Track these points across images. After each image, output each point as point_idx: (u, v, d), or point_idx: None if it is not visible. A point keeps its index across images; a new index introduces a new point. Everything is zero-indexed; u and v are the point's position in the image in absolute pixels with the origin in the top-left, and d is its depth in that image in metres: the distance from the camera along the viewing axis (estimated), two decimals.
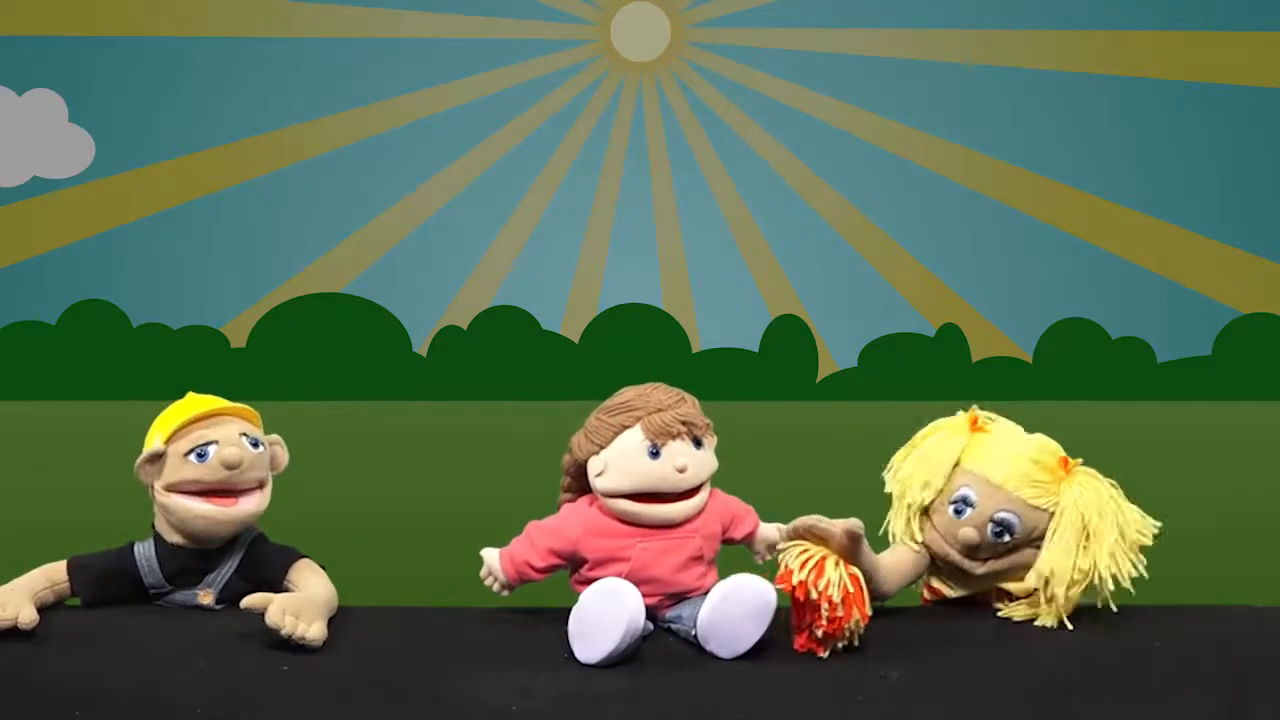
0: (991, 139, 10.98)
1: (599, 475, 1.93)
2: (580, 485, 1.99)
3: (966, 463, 2.00)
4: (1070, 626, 1.95)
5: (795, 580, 1.82)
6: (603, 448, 1.93)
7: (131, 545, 2.02)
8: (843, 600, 1.82)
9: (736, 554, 2.08)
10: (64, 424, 8.47)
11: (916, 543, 2.02)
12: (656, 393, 1.95)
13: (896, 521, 2.04)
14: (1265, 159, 10.89)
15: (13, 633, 1.85)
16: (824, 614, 1.81)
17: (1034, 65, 10.96)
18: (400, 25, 10.91)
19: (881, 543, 2.05)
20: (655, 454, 1.90)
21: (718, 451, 1.99)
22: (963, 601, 2.06)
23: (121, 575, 2.00)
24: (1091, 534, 1.94)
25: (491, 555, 2.00)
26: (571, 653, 1.83)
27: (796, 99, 11.06)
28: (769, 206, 11.03)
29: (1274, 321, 10.68)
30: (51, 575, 1.99)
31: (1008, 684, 1.78)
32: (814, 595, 1.81)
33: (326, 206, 10.87)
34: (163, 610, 2.00)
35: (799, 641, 1.87)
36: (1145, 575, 1.97)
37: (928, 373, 10.49)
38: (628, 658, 1.82)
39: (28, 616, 1.86)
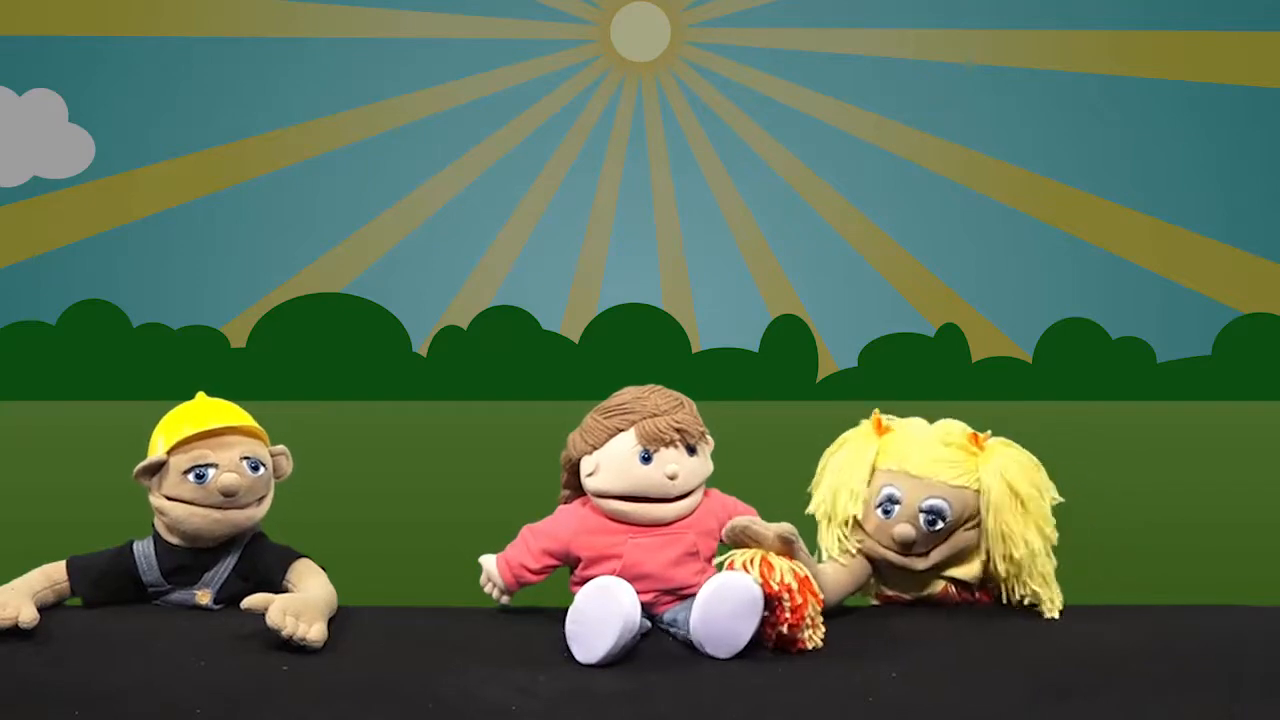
0: (991, 139, 10.99)
1: (590, 475, 1.93)
2: (579, 482, 1.99)
3: (881, 464, 2.01)
4: (1059, 608, 1.96)
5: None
6: (596, 448, 1.93)
7: (130, 544, 2.03)
8: (800, 587, 1.81)
9: None
10: (64, 424, 8.47)
11: (851, 555, 2.01)
12: (654, 396, 1.95)
13: (827, 540, 2.03)
14: (1265, 159, 10.90)
15: (13, 632, 1.85)
16: (785, 604, 1.80)
17: (1034, 65, 10.96)
18: (400, 25, 10.91)
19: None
20: (647, 459, 1.90)
21: (718, 453, 1.99)
22: (919, 604, 2.06)
23: (121, 574, 2.00)
24: (1023, 500, 1.95)
25: (489, 562, 2.00)
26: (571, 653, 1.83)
27: (796, 99, 11.06)
28: (769, 206, 11.04)
29: (1274, 321, 10.69)
30: (51, 575, 1.99)
31: (1007, 683, 1.78)
32: (775, 586, 1.80)
33: (326, 206, 10.88)
34: (162, 610, 2.00)
35: (770, 644, 1.85)
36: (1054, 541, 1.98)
37: (928, 373, 10.50)
38: (626, 655, 1.82)
39: (28, 616, 1.86)
